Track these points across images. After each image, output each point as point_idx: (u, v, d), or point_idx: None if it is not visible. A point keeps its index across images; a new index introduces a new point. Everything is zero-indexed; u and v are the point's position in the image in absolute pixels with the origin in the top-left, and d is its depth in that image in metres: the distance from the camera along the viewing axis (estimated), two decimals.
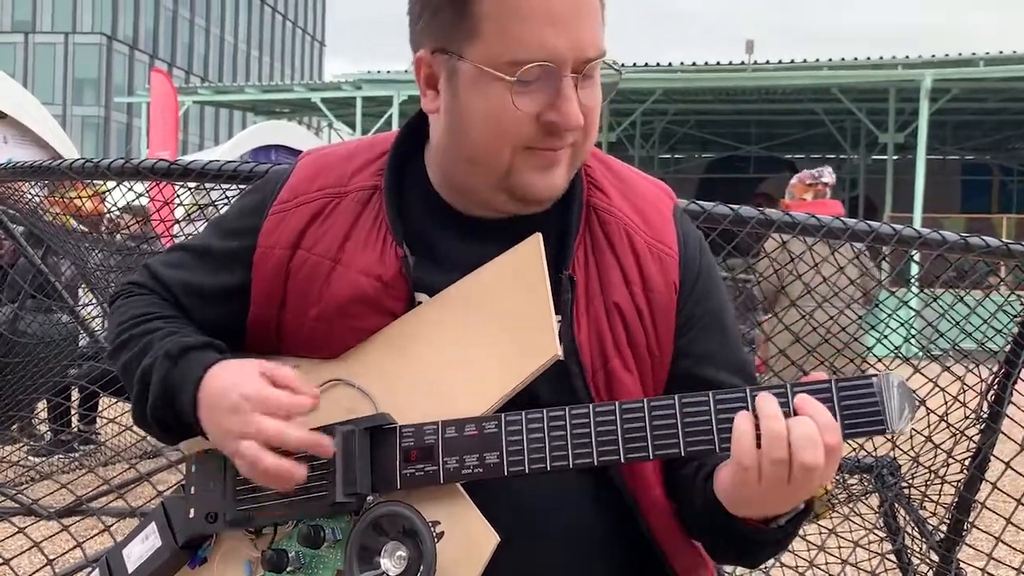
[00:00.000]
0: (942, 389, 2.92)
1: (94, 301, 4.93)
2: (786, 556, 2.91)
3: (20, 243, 4.70)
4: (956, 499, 2.95)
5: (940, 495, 3.16)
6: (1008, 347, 2.85)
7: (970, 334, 3.08)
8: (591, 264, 1.20)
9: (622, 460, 1.04)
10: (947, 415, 2.95)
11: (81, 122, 53.28)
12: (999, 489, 2.84)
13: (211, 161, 2.71)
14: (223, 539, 1.19)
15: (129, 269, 3.90)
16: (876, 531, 3.27)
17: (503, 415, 1.07)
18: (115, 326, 1.28)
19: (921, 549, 3.21)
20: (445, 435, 1.08)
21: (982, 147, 22.22)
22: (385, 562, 1.06)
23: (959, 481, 2.96)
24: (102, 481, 3.34)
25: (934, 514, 3.21)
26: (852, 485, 3.52)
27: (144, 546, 1.21)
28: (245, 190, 1.44)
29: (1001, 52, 17.12)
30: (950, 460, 3.02)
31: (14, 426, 5.28)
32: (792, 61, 18.37)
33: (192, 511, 1.19)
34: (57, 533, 2.97)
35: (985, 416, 2.87)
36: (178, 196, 3.25)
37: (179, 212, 3.40)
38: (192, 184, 2.88)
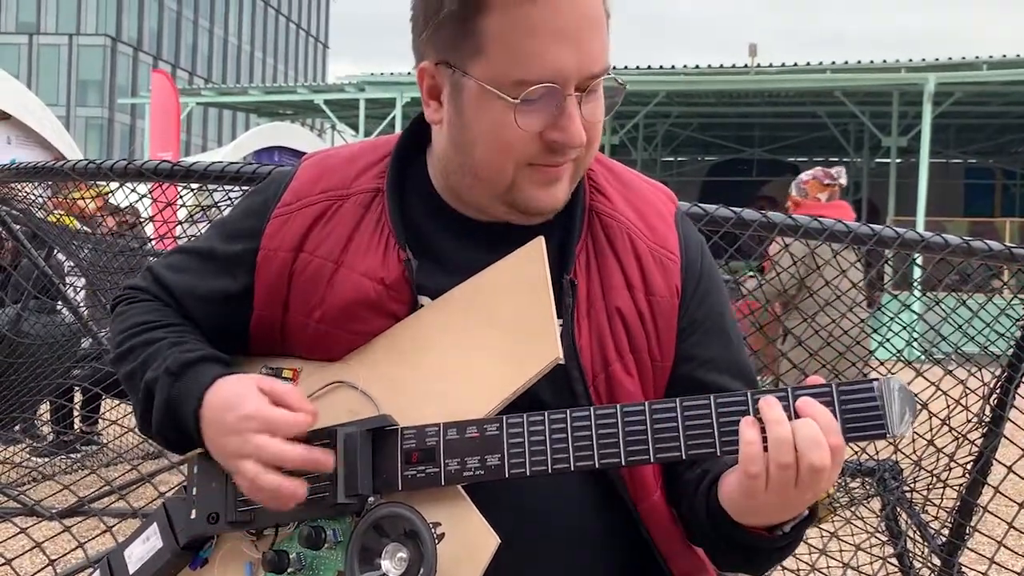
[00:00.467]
0: (944, 393, 2.92)
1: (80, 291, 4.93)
2: (787, 560, 2.90)
3: (24, 244, 4.71)
4: (958, 503, 2.95)
5: (942, 499, 3.15)
6: (1011, 351, 2.85)
7: (973, 338, 3.08)
8: (593, 268, 1.20)
9: (623, 463, 1.04)
10: (949, 419, 2.95)
11: (85, 123, 53.36)
12: (1001, 493, 2.84)
13: (214, 162, 2.72)
14: (224, 540, 1.19)
15: (119, 270, 3.91)
16: (878, 535, 3.26)
17: (504, 417, 1.07)
18: (117, 333, 1.28)
19: (923, 553, 3.21)
20: (447, 437, 1.08)
21: (985, 151, 22.19)
22: (386, 563, 1.06)
23: (961, 485, 2.96)
24: (104, 482, 3.34)
25: (936, 518, 3.21)
26: (854, 489, 3.52)
27: (145, 547, 1.21)
28: (248, 192, 1.44)
29: (1004, 56, 17.12)
30: (952, 464, 3.02)
31: (17, 427, 5.28)
32: (795, 64, 18.36)
33: (194, 512, 1.19)
34: (59, 534, 2.97)
35: (987, 420, 2.87)
36: (181, 197, 3.25)
37: (181, 213, 3.41)
38: (195, 185, 2.89)
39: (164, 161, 2.81)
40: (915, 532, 3.28)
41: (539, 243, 1.15)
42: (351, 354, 1.19)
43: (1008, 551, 2.93)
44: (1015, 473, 2.84)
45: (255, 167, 2.62)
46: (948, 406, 2.94)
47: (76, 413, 5.58)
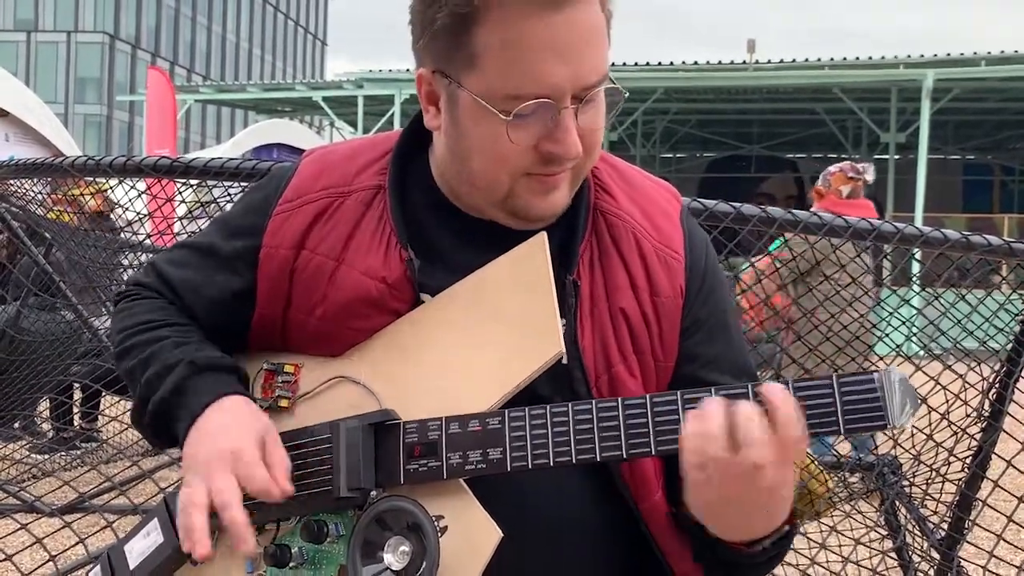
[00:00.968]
0: (944, 387, 2.93)
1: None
2: (787, 554, 2.91)
3: (23, 241, 4.70)
4: (957, 497, 2.95)
5: (941, 493, 3.16)
6: (1010, 345, 2.85)
7: (972, 332, 3.08)
8: (597, 268, 1.20)
9: (624, 456, 1.04)
10: (948, 413, 2.95)
11: (83, 120, 53.32)
12: (1000, 487, 2.84)
13: (213, 159, 2.71)
14: (226, 535, 1.19)
15: (106, 265, 3.90)
16: (877, 529, 3.27)
17: (506, 411, 1.07)
18: (120, 330, 1.27)
19: (922, 547, 3.21)
20: (449, 431, 1.08)
21: (983, 147, 22.18)
22: (388, 557, 1.06)
23: (960, 479, 2.96)
24: (104, 478, 3.35)
25: (935, 512, 3.21)
26: (853, 483, 3.52)
27: (146, 542, 1.21)
28: (249, 188, 1.44)
29: (1003, 52, 17.08)
30: (951, 458, 3.02)
31: (17, 424, 5.28)
32: (794, 61, 18.34)
33: None
34: (59, 529, 2.97)
35: (987, 414, 2.87)
36: (179, 193, 3.25)
37: (180, 210, 3.41)
38: (194, 182, 2.88)
39: (164, 157, 2.81)
40: (914, 526, 3.28)
41: (541, 238, 1.15)
42: (352, 350, 1.19)
43: (1007, 545, 2.93)
44: (1014, 467, 2.84)
45: (254, 163, 2.62)
46: (947, 401, 2.95)
47: (76, 410, 5.58)
